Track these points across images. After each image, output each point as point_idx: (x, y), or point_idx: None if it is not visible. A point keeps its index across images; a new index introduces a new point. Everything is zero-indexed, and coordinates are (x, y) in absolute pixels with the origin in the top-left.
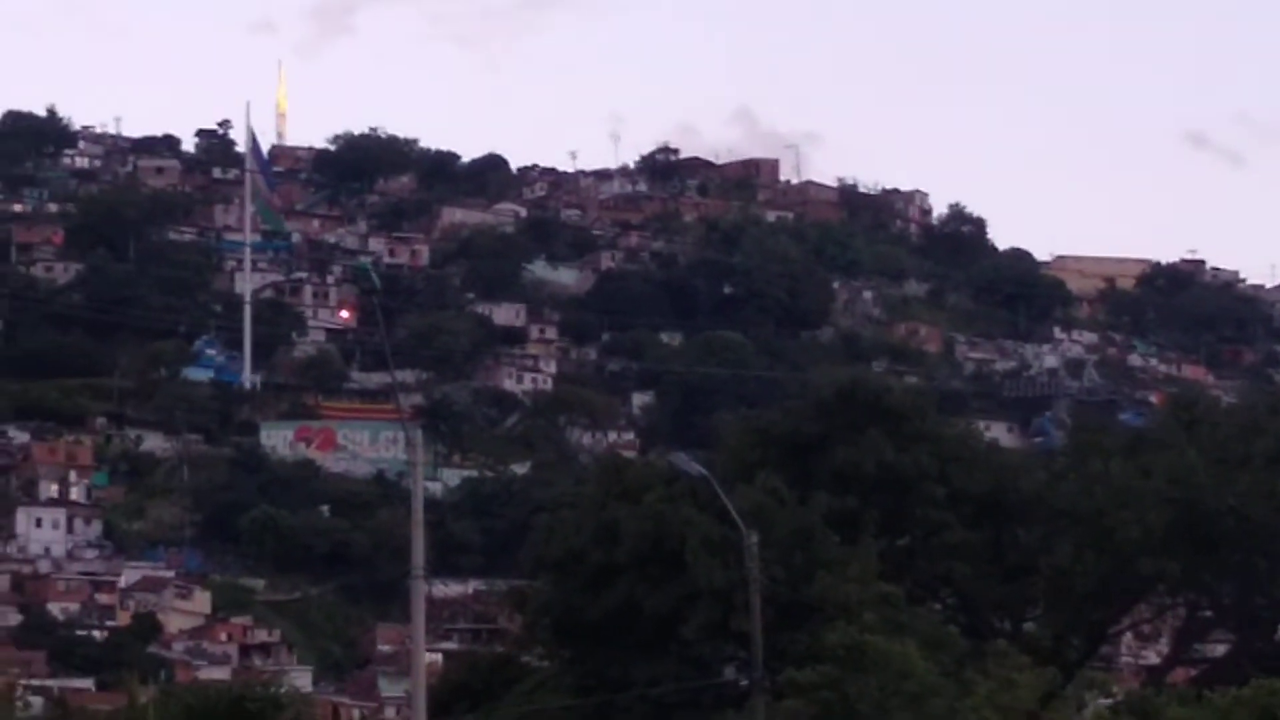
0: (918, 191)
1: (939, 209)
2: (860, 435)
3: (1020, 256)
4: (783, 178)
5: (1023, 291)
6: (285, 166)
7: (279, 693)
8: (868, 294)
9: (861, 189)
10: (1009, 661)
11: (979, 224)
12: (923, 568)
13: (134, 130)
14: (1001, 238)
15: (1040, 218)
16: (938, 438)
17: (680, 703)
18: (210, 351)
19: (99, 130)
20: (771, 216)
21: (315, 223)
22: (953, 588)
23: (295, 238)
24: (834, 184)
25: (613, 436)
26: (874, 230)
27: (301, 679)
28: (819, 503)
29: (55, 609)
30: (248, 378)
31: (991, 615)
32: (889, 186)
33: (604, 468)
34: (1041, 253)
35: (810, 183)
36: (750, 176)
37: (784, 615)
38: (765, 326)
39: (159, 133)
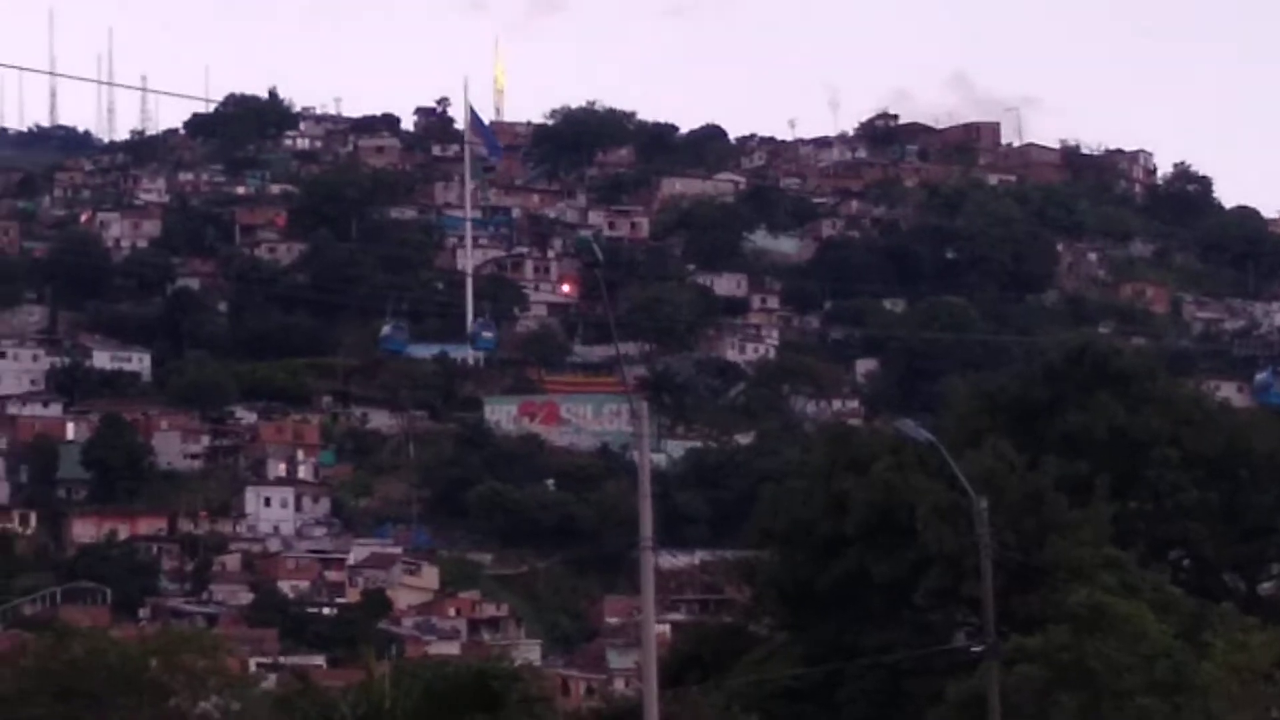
0: (1142, 151)
1: (1164, 168)
2: (1089, 398)
3: (1247, 214)
4: (1004, 141)
5: (1251, 249)
6: (504, 143)
7: (515, 668)
8: (1092, 256)
9: (1084, 150)
10: (1237, 623)
11: (1205, 182)
12: (1156, 530)
13: (354, 110)
14: (1228, 196)
15: (1267, 174)
16: (1168, 399)
17: (911, 670)
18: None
19: (319, 111)
20: (993, 180)
21: (535, 198)
22: (1186, 550)
23: (515, 213)
24: (1056, 146)
25: (837, 405)
26: (1098, 191)
27: (530, 652)
28: (1049, 467)
29: (286, 587)
30: (471, 354)
31: (1226, 576)
32: (1112, 147)
33: (830, 437)
34: (1269, 210)
35: (1032, 145)
36: (971, 140)
37: (1015, 580)
38: (989, 291)
39: (378, 112)
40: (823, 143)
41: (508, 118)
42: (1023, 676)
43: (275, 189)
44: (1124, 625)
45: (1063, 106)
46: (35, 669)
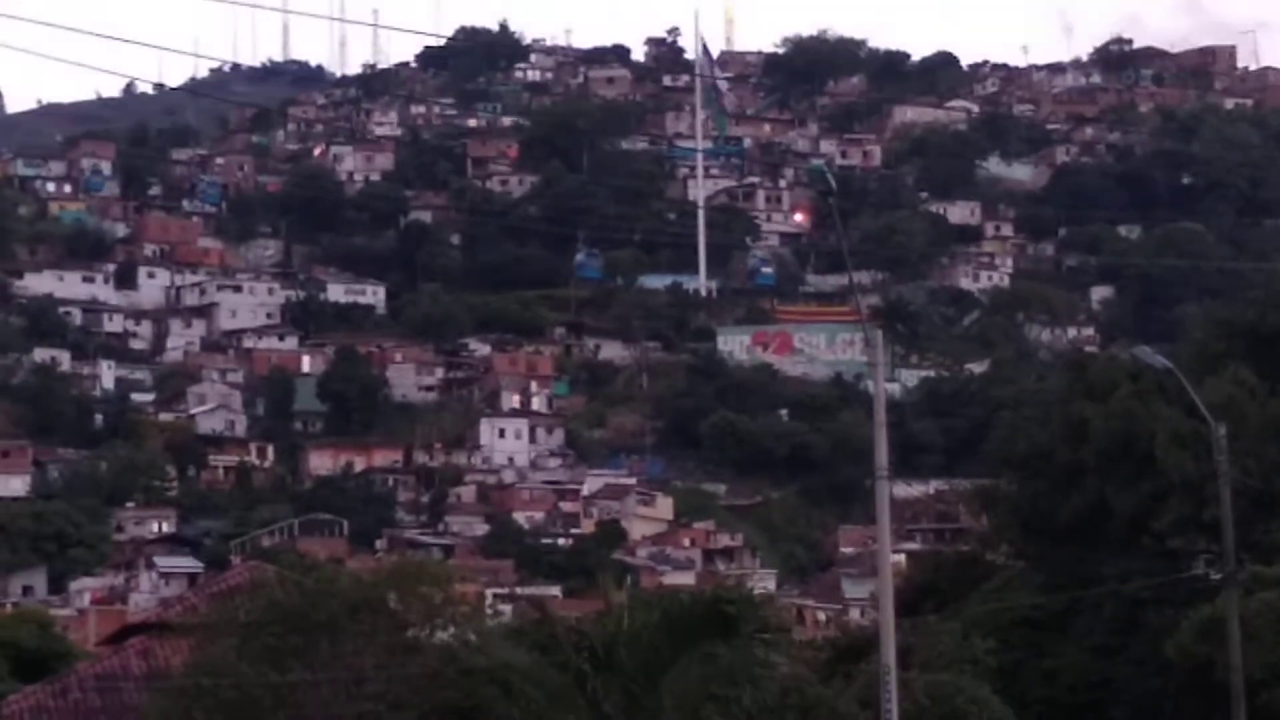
0: None
1: None
2: None
3: None
4: (1240, 65)
5: None
6: (735, 72)
7: (752, 594)
8: None
9: None
10: None
11: None
12: None
13: (584, 41)
14: None
15: None
16: None
17: (1150, 598)
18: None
19: (550, 43)
20: (1229, 104)
21: (766, 127)
22: None
23: (747, 143)
24: None
25: (1072, 332)
26: None
27: (765, 582)
28: None
29: (520, 518)
30: (703, 284)
31: None
32: None
33: (1068, 364)
34: None
35: (1269, 69)
36: (1206, 65)
37: (1256, 508)
38: (1226, 216)
39: (609, 43)
40: (1056, 68)
41: (739, 46)
42: (1263, 604)
43: (506, 121)
44: None
45: None
46: (271, 599)
